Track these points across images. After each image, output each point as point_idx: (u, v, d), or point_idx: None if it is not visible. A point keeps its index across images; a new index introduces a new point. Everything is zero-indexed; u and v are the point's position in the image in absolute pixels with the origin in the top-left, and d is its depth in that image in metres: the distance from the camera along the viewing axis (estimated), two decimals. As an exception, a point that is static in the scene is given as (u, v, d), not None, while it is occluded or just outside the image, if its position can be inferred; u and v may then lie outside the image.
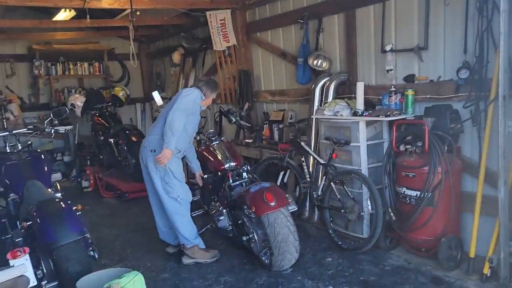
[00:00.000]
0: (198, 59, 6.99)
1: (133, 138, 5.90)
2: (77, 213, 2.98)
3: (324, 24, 4.57)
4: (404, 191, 3.36)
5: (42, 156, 3.71)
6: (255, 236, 3.33)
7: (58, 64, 7.82)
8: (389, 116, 3.58)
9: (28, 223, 2.78)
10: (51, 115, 3.85)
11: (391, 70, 3.82)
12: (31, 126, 3.82)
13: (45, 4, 4.87)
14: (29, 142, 3.86)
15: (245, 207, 3.36)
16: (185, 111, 3.46)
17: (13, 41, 7.56)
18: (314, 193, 4.09)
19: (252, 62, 5.79)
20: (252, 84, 5.67)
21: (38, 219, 2.71)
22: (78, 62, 7.99)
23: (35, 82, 7.75)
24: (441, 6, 3.45)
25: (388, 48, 3.82)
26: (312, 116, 4.35)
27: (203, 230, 4.04)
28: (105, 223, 4.86)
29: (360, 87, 3.92)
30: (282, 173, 4.46)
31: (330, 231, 3.87)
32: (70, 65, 7.93)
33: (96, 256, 3.06)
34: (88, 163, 6.91)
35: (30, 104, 7.84)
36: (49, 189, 3.49)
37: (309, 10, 4.65)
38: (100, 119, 6.66)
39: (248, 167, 4.05)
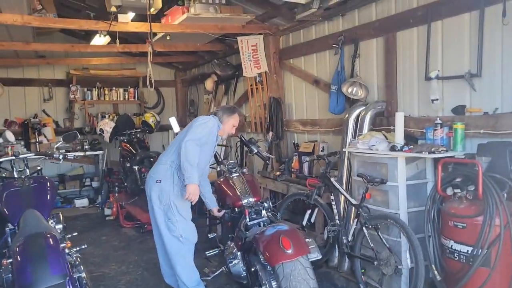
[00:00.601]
0: (231, 86, 6.74)
1: (157, 166, 5.62)
2: (66, 251, 2.64)
3: (361, 49, 4.15)
4: (451, 245, 2.76)
5: (48, 184, 3.47)
6: (269, 289, 2.84)
7: (94, 89, 7.87)
8: (433, 152, 3.04)
9: (9, 260, 2.48)
10: (62, 140, 3.63)
11: (437, 100, 3.30)
12: (43, 151, 3.58)
13: (69, 26, 4.82)
14: (39, 168, 3.65)
15: (259, 252, 2.89)
16: (199, 141, 3.12)
17: (53, 66, 7.72)
18: (343, 238, 3.56)
19: (283, 90, 5.43)
20: (282, 112, 5.29)
21: (18, 256, 2.39)
22: (114, 88, 8.01)
23: (70, 106, 7.82)
24: (498, 26, 2.94)
25: (433, 75, 3.32)
26: (344, 149, 3.87)
27: (217, 272, 3.62)
28: (116, 257, 4.53)
29: (399, 118, 3.42)
30: (309, 211, 3.97)
31: (361, 286, 3.31)
32: (105, 91, 7.95)
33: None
34: (116, 189, 6.73)
35: (65, 128, 7.86)
36: (49, 220, 3.23)
37: (345, 34, 4.26)
38: (127, 145, 6.50)
39: (270, 203, 3.61)
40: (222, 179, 3.82)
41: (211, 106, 6.99)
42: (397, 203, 3.24)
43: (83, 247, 3.83)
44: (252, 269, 3.03)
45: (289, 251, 2.68)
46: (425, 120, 3.44)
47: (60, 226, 3.30)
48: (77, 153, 3.81)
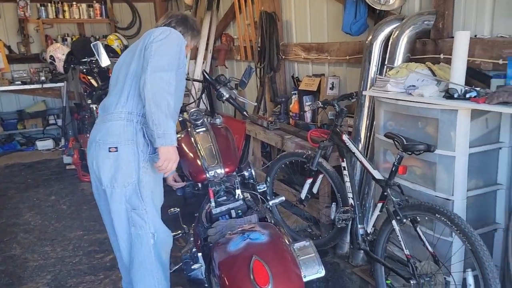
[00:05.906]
0: (214, -1, 5.21)
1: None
2: None
3: None
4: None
5: None
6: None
7: (50, 4, 6.36)
8: (527, 104, 1.74)
9: None
10: None
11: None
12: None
13: None
14: None
15: (217, 277, 1.74)
16: (171, 67, 1.85)
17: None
18: (360, 227, 2.39)
19: (279, 1, 3.94)
20: (278, 34, 3.86)
21: None
22: (74, 3, 6.48)
23: (22, 27, 6.36)
24: None
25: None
26: (364, 92, 2.55)
27: (176, 268, 2.56)
28: (57, 230, 3.42)
29: (461, 41, 2.04)
30: (309, 181, 2.78)
31: (385, 302, 2.21)
32: (64, 6, 6.44)
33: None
34: (77, 131, 5.56)
35: (20, 54, 6.50)
36: None
37: None
38: (86, 77, 5.17)
39: (253, 171, 2.44)
40: (182, 135, 2.57)
41: (191, 25, 5.49)
42: (450, 184, 2.00)
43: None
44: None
45: (267, 290, 1.51)
46: (504, 44, 2.07)
47: None
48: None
